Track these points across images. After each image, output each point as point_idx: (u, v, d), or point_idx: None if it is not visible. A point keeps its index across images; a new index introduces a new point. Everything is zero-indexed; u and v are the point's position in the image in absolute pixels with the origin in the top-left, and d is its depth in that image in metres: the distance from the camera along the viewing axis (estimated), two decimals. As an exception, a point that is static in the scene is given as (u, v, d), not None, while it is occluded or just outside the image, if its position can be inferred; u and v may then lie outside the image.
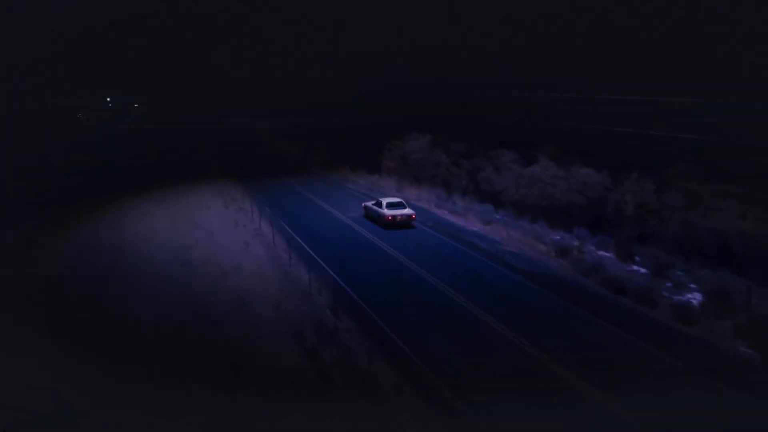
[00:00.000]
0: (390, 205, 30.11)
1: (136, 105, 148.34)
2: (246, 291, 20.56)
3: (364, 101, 61.46)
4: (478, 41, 61.80)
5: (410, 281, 22.00)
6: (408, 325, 17.97)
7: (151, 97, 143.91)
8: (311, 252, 25.67)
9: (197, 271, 23.00)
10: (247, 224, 30.44)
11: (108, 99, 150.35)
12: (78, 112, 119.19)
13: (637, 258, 25.78)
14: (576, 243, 26.89)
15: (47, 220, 32.44)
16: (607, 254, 26.58)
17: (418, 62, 63.80)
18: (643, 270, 24.32)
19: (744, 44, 33.65)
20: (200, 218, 31.57)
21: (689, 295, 20.97)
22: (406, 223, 29.69)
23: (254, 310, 18.90)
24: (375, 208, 30.85)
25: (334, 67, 79.91)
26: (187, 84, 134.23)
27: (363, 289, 21.22)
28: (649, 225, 29.76)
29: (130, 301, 19.81)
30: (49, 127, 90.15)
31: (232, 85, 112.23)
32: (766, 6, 33.76)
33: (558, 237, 28.61)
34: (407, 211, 30.08)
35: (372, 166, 47.97)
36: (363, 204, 33.15)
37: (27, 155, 61.00)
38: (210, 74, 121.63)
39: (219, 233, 28.68)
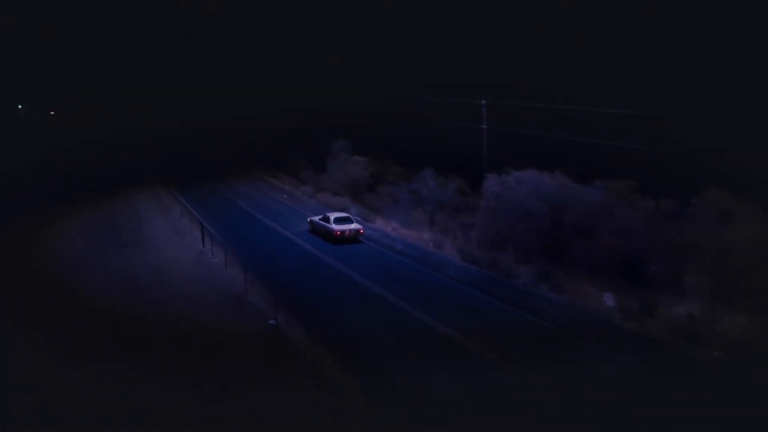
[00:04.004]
0: (338, 220, 30.09)
1: (52, 112, 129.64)
2: None
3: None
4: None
5: None
6: None
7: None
8: None
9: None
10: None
11: (20, 106, 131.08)
12: None
13: None
14: None
15: None
16: None
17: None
18: None
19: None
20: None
21: None
22: (354, 237, 29.69)
23: None
24: (322, 223, 30.55)
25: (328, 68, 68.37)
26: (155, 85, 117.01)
27: None
28: None
29: None
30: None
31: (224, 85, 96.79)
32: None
33: None
34: (355, 225, 30.25)
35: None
36: (309, 219, 32.43)
37: None
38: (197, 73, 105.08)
39: None
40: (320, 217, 31.20)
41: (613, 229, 26.98)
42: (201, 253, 26.83)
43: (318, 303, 21.11)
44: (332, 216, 30.43)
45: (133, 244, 28.13)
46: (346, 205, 37.44)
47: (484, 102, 31.38)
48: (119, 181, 48.36)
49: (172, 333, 18.00)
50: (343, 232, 29.28)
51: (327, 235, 29.85)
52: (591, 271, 25.89)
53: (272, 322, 18.74)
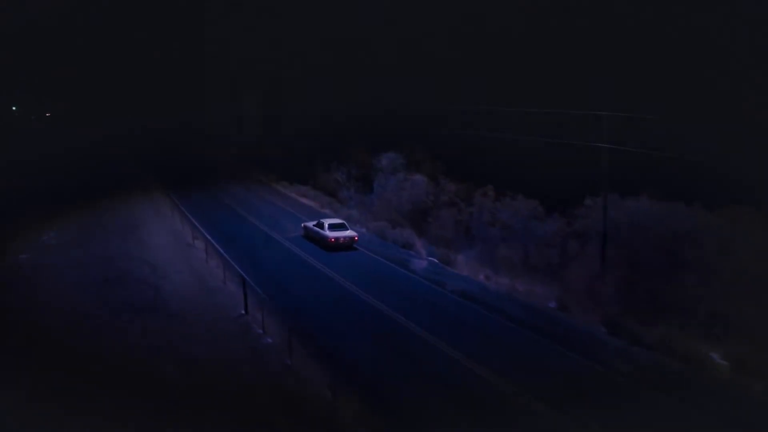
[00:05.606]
0: (332, 227, 29.67)
1: (48, 114, 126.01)
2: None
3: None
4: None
5: None
6: None
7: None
8: None
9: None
10: None
11: (14, 108, 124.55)
12: None
13: None
14: None
15: None
16: None
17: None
18: None
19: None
20: None
21: None
22: (348, 245, 29.27)
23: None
24: (317, 229, 30.20)
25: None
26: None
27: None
28: None
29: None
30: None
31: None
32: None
33: None
34: (349, 232, 29.79)
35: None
36: (303, 224, 32.12)
37: None
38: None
39: None
40: (314, 222, 31.05)
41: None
42: (246, 325, 19.35)
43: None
44: (326, 222, 30.19)
45: (149, 307, 20.67)
46: (410, 240, 30.08)
47: (602, 113, 23.77)
48: (127, 193, 41.80)
49: None
50: (337, 239, 29.09)
51: (321, 242, 29.54)
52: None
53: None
